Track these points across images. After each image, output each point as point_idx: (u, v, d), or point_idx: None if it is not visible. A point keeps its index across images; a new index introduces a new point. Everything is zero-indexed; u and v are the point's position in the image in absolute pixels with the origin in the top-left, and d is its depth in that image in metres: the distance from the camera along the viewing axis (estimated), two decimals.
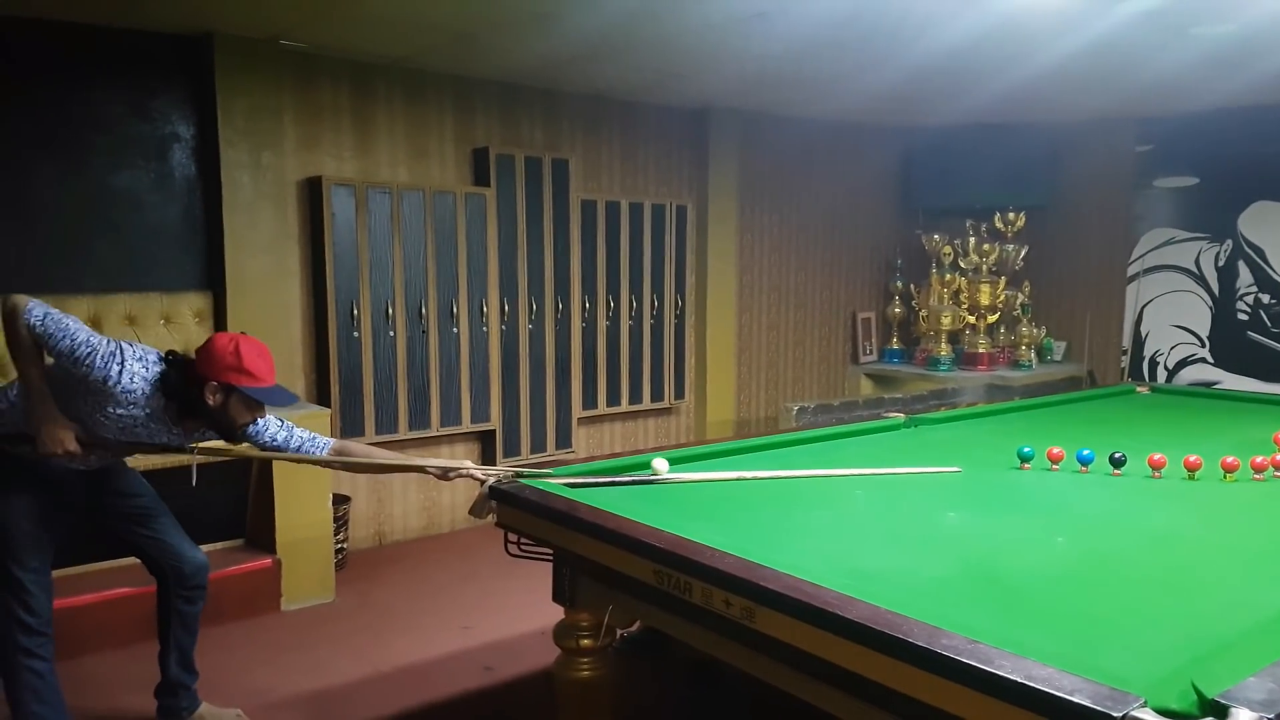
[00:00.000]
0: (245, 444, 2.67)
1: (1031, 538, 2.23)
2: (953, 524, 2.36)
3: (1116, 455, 2.79)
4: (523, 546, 2.45)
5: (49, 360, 2.48)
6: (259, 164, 4.30)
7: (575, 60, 4.64)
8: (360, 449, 2.92)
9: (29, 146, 3.88)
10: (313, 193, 4.55)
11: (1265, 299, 6.00)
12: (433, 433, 4.93)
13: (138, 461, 3.00)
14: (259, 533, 4.16)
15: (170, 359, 2.53)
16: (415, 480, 5.03)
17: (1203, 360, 6.26)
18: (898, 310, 6.98)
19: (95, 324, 3.93)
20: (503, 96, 5.17)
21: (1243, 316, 6.09)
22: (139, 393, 2.46)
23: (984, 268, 6.58)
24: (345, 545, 4.57)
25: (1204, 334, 6.25)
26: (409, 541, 5.05)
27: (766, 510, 2.43)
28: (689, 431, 6.24)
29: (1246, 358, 6.09)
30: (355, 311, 4.61)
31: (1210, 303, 6.21)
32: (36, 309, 2.42)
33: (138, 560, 2.93)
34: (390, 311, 4.71)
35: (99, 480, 2.74)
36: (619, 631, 2.52)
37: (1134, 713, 1.24)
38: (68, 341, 2.40)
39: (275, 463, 3.86)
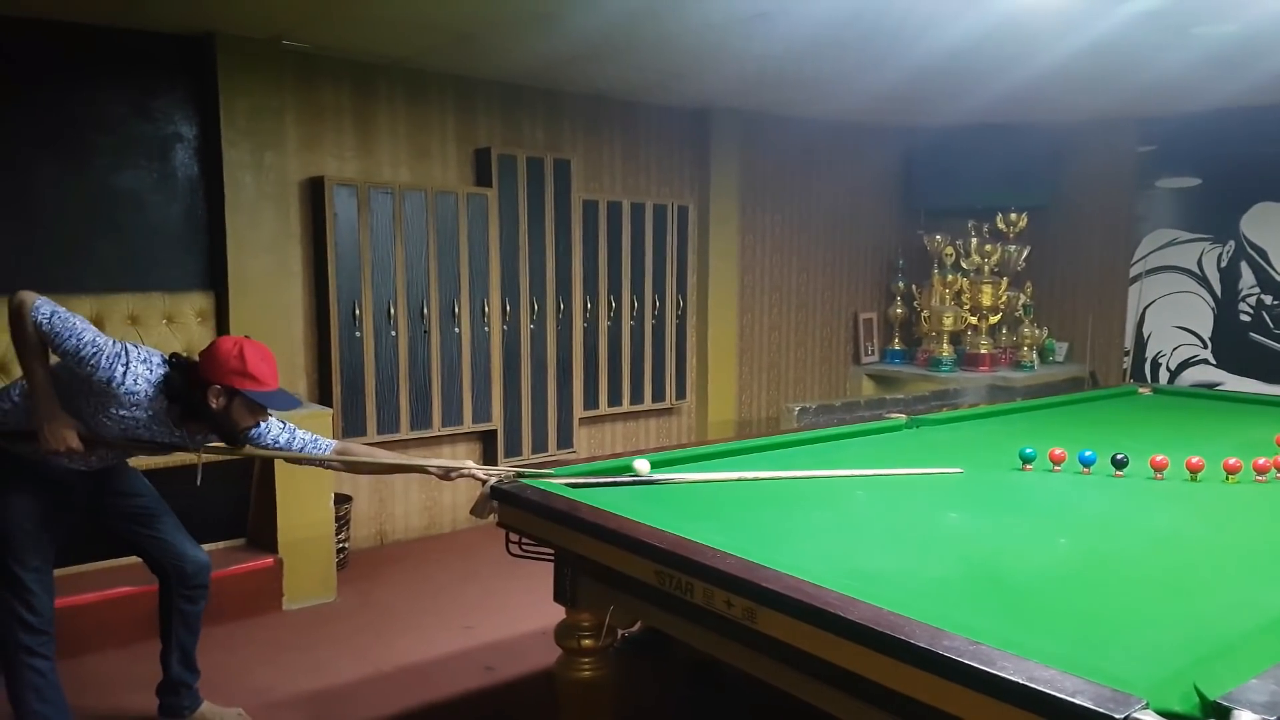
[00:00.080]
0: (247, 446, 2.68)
1: (1033, 539, 2.23)
2: (954, 525, 2.36)
3: (1118, 456, 2.78)
4: (524, 546, 2.45)
5: (54, 359, 2.48)
6: (261, 164, 4.31)
7: (576, 60, 4.64)
8: (362, 450, 2.93)
9: (31, 147, 3.88)
10: (315, 193, 4.55)
11: (1267, 300, 5.99)
12: (434, 433, 4.93)
13: (139, 461, 3.01)
14: (260, 532, 4.16)
15: (174, 362, 2.54)
16: (417, 480, 5.03)
17: (1205, 361, 6.25)
18: (899, 311, 6.97)
19: (98, 324, 3.93)
20: (504, 97, 5.18)
21: (1245, 318, 6.08)
22: (142, 395, 2.46)
23: (986, 268, 6.57)
24: (347, 545, 4.58)
25: (1206, 335, 6.24)
26: (410, 541, 5.06)
27: (768, 511, 2.43)
28: (690, 432, 6.24)
29: (1248, 359, 6.08)
30: (357, 311, 4.61)
31: (1212, 304, 6.20)
32: (44, 307, 2.43)
33: (139, 559, 2.93)
34: (392, 311, 4.72)
35: (100, 480, 2.74)
36: (620, 632, 2.52)
37: (1136, 714, 1.24)
38: (74, 341, 2.41)
39: (277, 462, 3.87)
